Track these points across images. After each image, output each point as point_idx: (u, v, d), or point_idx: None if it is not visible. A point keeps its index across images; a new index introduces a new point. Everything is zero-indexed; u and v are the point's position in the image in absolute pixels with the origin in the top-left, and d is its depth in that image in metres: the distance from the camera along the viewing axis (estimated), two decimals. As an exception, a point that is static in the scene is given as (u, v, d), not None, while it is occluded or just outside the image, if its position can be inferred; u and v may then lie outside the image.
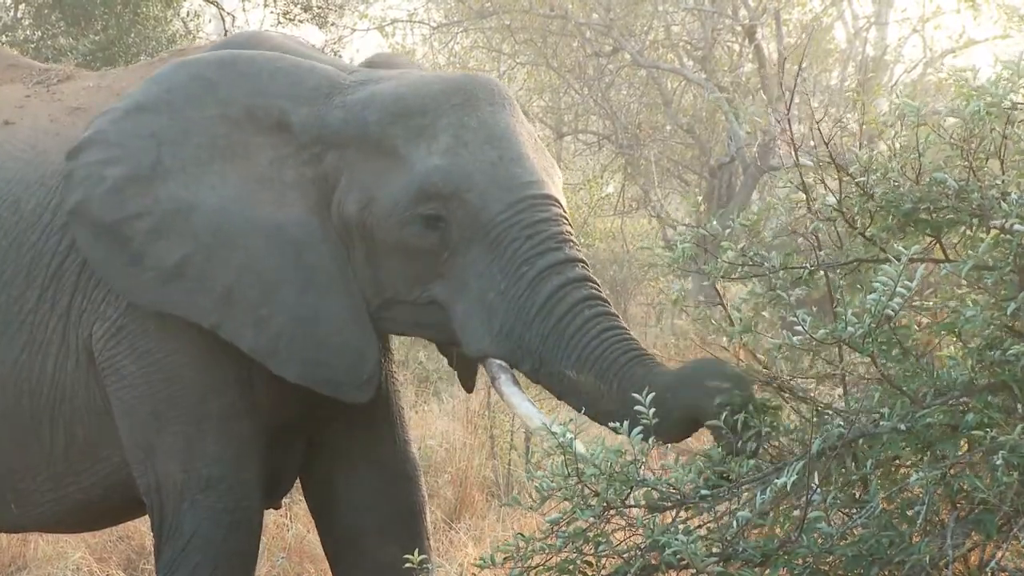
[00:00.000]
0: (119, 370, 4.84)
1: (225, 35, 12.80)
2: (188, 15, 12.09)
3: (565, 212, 4.61)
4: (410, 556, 4.13)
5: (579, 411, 4.25)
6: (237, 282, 4.66)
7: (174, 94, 4.81)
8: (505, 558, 3.79)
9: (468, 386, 5.15)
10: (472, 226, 4.51)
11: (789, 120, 4.70)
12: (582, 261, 4.51)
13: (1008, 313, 3.54)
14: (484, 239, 4.50)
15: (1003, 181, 3.74)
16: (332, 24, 12.98)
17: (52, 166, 4.98)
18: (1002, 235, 3.56)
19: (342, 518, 5.21)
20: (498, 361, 4.47)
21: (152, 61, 5.57)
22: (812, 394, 3.89)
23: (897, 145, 3.93)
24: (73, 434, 4.98)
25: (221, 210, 4.68)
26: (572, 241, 4.55)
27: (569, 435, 3.76)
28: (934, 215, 3.82)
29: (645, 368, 4.26)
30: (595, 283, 4.49)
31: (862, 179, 3.91)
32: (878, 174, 3.90)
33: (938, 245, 3.88)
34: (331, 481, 5.19)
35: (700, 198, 14.67)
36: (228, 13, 12.84)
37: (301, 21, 12.64)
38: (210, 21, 13.56)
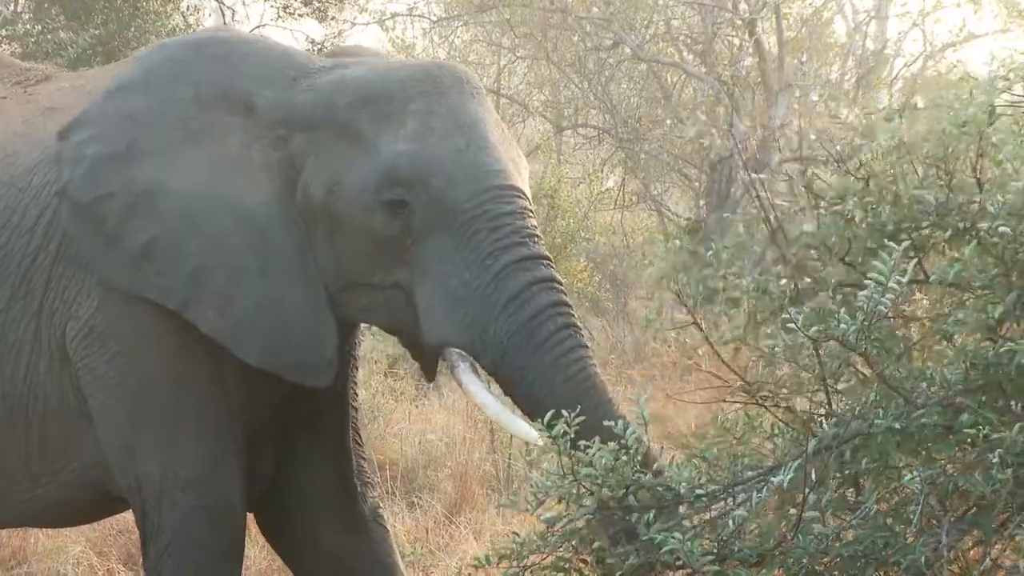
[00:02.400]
0: (94, 370, 4.83)
1: (225, 29, 12.82)
2: (188, 9, 12.10)
3: (531, 205, 4.61)
4: (412, 548, 4.13)
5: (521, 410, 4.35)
6: (203, 265, 4.66)
7: (151, 75, 4.83)
8: (501, 558, 3.81)
9: (429, 375, 5.09)
10: (437, 213, 4.50)
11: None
12: (547, 258, 4.51)
13: (996, 316, 3.56)
14: (449, 227, 4.49)
15: (980, 199, 3.75)
16: (332, 18, 12.96)
17: (21, 168, 4.99)
18: (987, 237, 3.57)
19: (295, 513, 5.24)
20: (457, 350, 4.47)
21: (131, 59, 5.59)
22: (801, 401, 3.90)
23: (875, 168, 3.95)
24: (47, 434, 4.97)
25: (189, 193, 4.68)
26: (537, 236, 4.54)
27: (565, 436, 3.77)
28: (914, 234, 3.84)
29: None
30: (560, 284, 4.50)
31: (838, 207, 3.92)
32: (855, 199, 3.92)
33: (919, 265, 3.88)
34: (287, 478, 5.20)
35: (700, 199, 14.66)
36: (228, 7, 12.84)
37: (301, 15, 12.63)
38: (210, 15, 13.55)
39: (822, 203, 4.00)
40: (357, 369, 5.30)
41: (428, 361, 4.84)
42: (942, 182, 3.81)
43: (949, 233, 3.79)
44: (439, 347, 4.53)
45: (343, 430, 5.21)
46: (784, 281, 4.04)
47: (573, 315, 4.48)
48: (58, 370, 4.90)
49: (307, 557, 5.26)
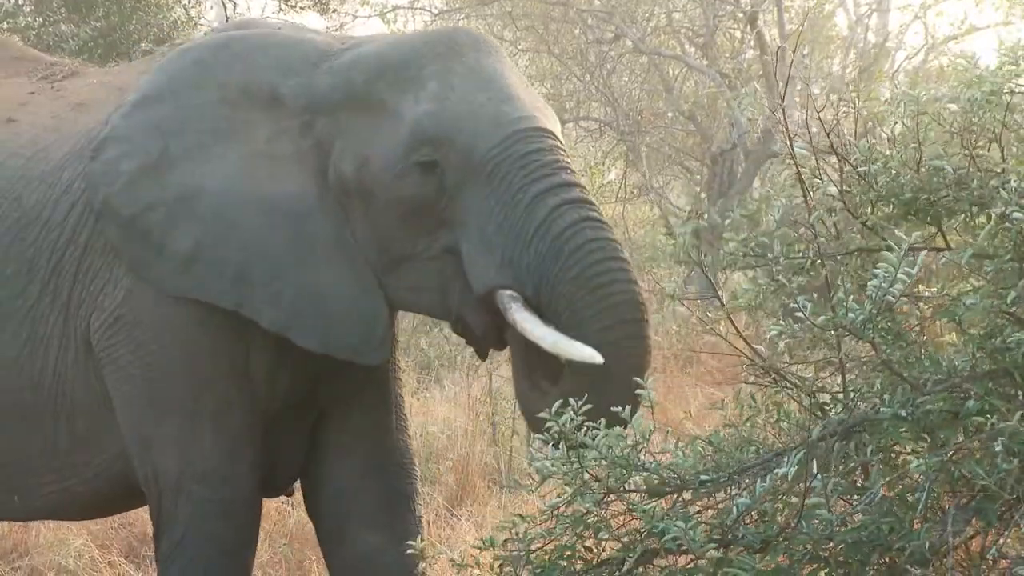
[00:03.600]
0: (116, 360, 4.86)
1: (227, 22, 12.83)
2: (189, 1, 12.08)
3: (561, 143, 4.59)
4: (412, 543, 4.10)
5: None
6: (246, 261, 4.68)
7: (175, 82, 4.85)
8: (505, 540, 3.79)
9: (482, 354, 5.08)
10: (467, 166, 4.49)
11: (784, 109, 4.69)
12: (580, 185, 4.50)
13: (1008, 301, 3.54)
14: (479, 177, 4.48)
15: (1003, 169, 3.74)
16: (334, 11, 12.98)
17: (52, 163, 5.02)
18: (1001, 223, 3.56)
19: (328, 502, 5.19)
20: (507, 292, 4.43)
21: (153, 55, 5.59)
22: (814, 382, 3.88)
23: (896, 133, 3.92)
24: (74, 427, 5.01)
25: (223, 192, 4.71)
26: (569, 168, 4.52)
27: (571, 421, 3.76)
28: (934, 204, 3.82)
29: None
30: (592, 204, 4.47)
31: (863, 168, 3.90)
32: (878, 164, 3.90)
33: (939, 234, 3.88)
34: (320, 464, 5.18)
35: (700, 190, 14.65)
36: (230, 0, 12.83)
37: (303, 8, 12.64)
38: (211, 8, 13.56)
39: (846, 167, 3.96)
40: (396, 349, 5.29)
41: (480, 340, 4.82)
42: (966, 151, 3.78)
43: (963, 217, 3.78)
44: (487, 294, 4.48)
45: (383, 412, 5.20)
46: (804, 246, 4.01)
47: (604, 227, 4.44)
48: (83, 363, 4.94)
49: (335, 548, 5.24)
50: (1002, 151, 3.79)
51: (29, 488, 5.14)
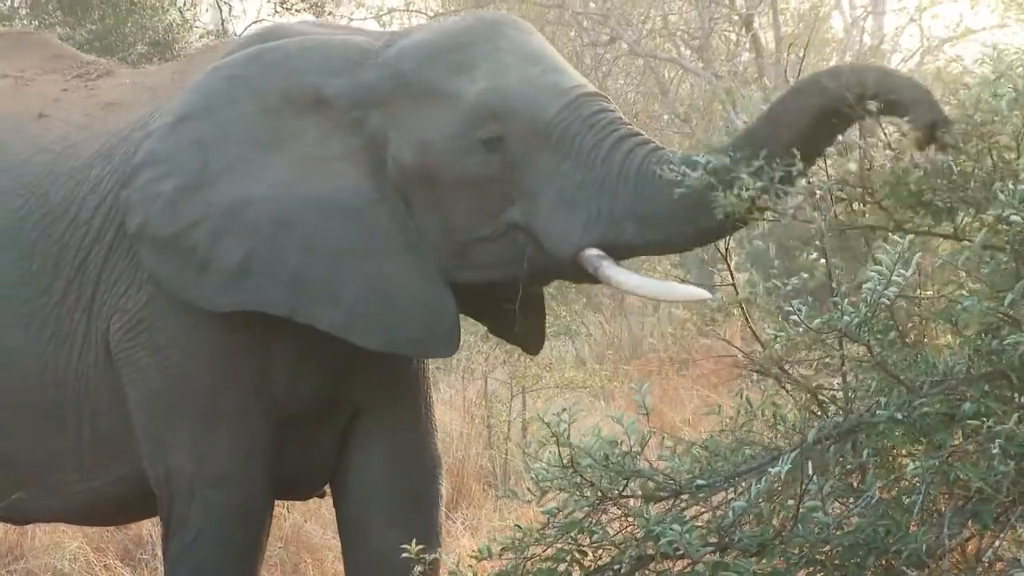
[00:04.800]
0: (135, 362, 4.85)
1: (222, 24, 12.85)
2: (184, 4, 12.08)
3: (617, 110, 4.60)
4: (407, 546, 4.10)
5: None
6: (302, 264, 4.65)
7: (211, 98, 4.80)
8: (502, 549, 3.80)
9: (534, 348, 5.11)
10: (532, 136, 4.48)
11: None
12: (651, 141, 4.48)
13: (1005, 303, 3.54)
14: (547, 144, 4.47)
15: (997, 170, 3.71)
16: (329, 13, 12.99)
17: (81, 160, 5.01)
18: (999, 224, 3.55)
19: (351, 498, 5.17)
20: (595, 251, 4.41)
21: (191, 56, 5.59)
22: (812, 382, 3.88)
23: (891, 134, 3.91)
24: (98, 427, 5.00)
25: (273, 198, 4.67)
26: (629, 124, 4.53)
27: (564, 425, 3.76)
28: (937, 199, 3.80)
29: None
30: (662, 147, 4.47)
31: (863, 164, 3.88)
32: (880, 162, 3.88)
33: (950, 225, 3.83)
34: (347, 461, 5.15)
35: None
36: (225, 2, 12.84)
37: (298, 10, 12.63)
38: (207, 10, 13.57)
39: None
40: None
41: (532, 333, 4.89)
42: (982, 145, 3.74)
43: (962, 217, 3.75)
44: (574, 256, 4.44)
45: (414, 412, 5.21)
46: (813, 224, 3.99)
47: (675, 152, 4.44)
48: (103, 364, 4.94)
49: (355, 544, 5.22)
50: (991, 156, 3.76)
51: (57, 486, 5.13)
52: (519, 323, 4.75)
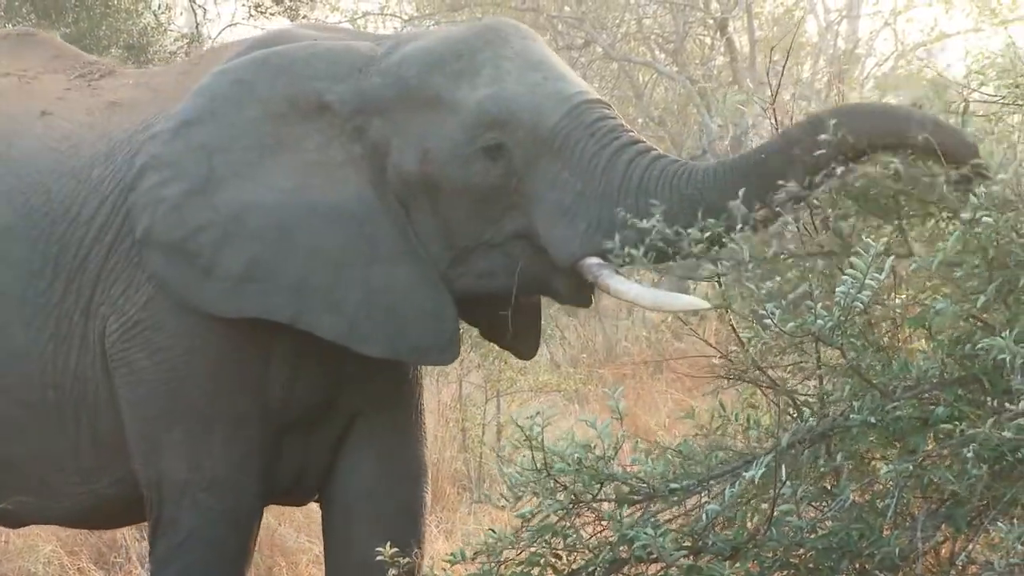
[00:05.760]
0: (131, 364, 4.84)
1: (197, 28, 12.81)
2: (159, 7, 12.04)
3: (619, 116, 4.59)
4: (382, 549, 4.10)
5: None
6: (305, 271, 4.65)
7: (216, 103, 4.80)
8: (476, 553, 3.80)
9: (528, 353, 5.11)
10: (534, 144, 4.48)
11: (775, 109, 4.71)
12: (653, 149, 4.48)
13: (978, 306, 3.55)
14: (548, 152, 4.47)
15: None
16: (304, 17, 12.93)
17: (84, 159, 5.00)
18: (970, 228, 3.56)
19: (338, 503, 5.16)
20: (594, 260, 4.40)
21: (194, 59, 5.59)
22: (788, 385, 3.88)
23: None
24: (97, 428, 4.99)
25: (277, 205, 4.67)
26: (631, 131, 4.52)
27: (537, 429, 3.76)
28: (889, 201, 3.82)
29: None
30: (664, 153, 4.48)
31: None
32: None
33: (903, 239, 3.87)
34: (337, 465, 5.14)
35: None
36: (199, 5, 12.81)
37: (273, 14, 12.60)
38: (181, 14, 13.53)
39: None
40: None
41: (526, 338, 4.90)
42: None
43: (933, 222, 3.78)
44: (574, 264, 4.44)
45: (406, 421, 5.18)
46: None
47: (679, 159, 4.47)
48: (100, 366, 4.93)
49: (338, 550, 5.22)
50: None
51: (59, 487, 5.12)
52: (513, 326, 4.76)
